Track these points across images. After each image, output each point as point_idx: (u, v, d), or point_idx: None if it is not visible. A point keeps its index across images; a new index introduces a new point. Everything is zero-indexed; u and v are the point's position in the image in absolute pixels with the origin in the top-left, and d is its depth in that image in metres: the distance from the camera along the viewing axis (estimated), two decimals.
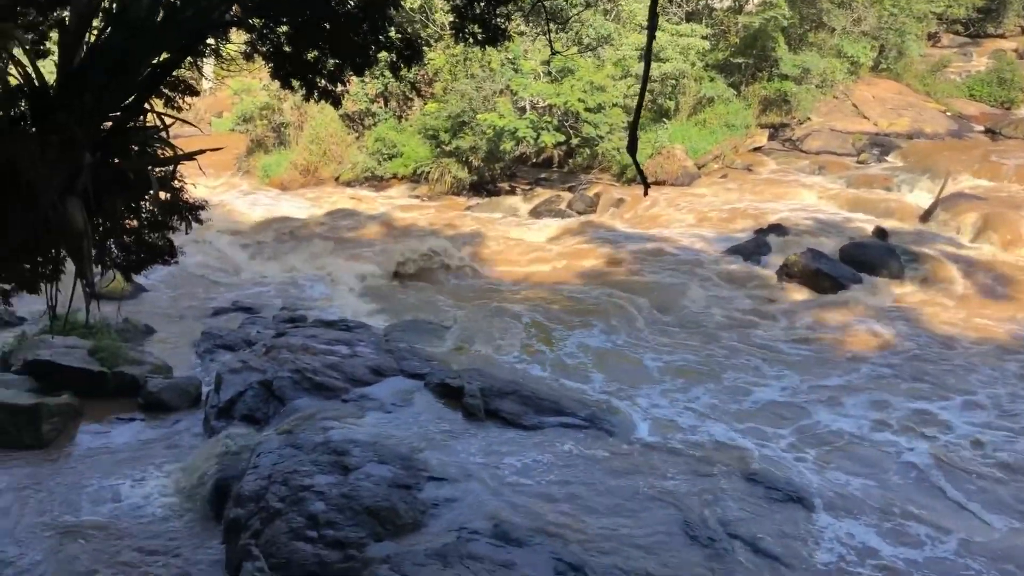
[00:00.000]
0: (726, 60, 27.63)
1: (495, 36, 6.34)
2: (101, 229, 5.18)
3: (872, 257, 16.83)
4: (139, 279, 13.50)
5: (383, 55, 6.03)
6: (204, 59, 6.78)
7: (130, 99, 4.90)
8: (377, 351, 11.05)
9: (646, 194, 6.79)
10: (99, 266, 5.55)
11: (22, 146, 4.27)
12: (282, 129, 29.09)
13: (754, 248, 18.23)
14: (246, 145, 29.61)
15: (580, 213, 22.68)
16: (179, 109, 5.95)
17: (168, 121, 5.24)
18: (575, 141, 24.40)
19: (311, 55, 5.85)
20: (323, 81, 6.03)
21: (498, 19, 6.32)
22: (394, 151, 26.12)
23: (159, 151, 5.21)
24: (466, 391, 9.57)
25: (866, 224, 19.42)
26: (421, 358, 11.26)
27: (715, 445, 9.65)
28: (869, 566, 7.24)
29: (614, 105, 23.99)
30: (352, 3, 5.70)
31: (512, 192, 25.23)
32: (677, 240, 19.49)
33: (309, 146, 27.55)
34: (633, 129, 5.03)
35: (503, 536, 6.61)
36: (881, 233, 18.35)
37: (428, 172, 25.47)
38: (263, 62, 6.05)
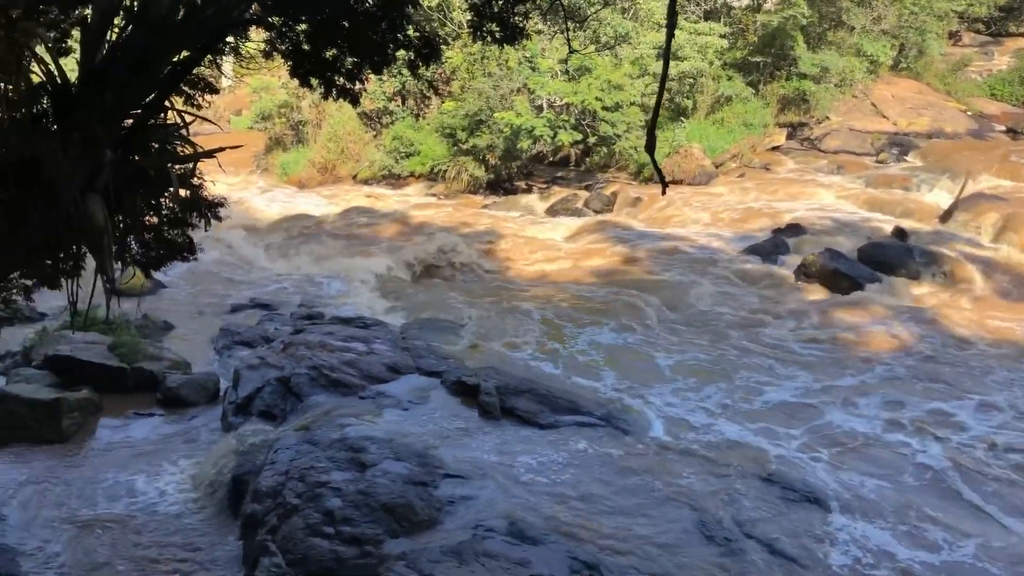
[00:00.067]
0: (744, 59, 27.51)
1: (513, 34, 6.35)
2: (121, 226, 5.22)
3: (891, 257, 16.71)
4: (158, 275, 13.62)
5: (401, 53, 6.05)
6: (224, 57, 6.81)
7: (151, 97, 4.95)
8: (394, 348, 11.09)
9: (664, 193, 6.77)
10: (119, 262, 5.60)
11: (44, 143, 4.32)
12: (300, 127, 29.23)
13: (771, 248, 18.15)
14: (264, 143, 29.78)
15: (597, 212, 22.64)
16: (199, 107, 5.99)
17: (188, 119, 5.28)
18: (592, 140, 24.37)
19: (330, 53, 5.88)
20: (341, 79, 6.06)
21: (516, 17, 6.32)
22: (411, 149, 26.19)
23: (179, 148, 5.25)
24: (482, 389, 9.59)
25: (885, 224, 19.29)
26: (437, 356, 11.29)
27: (730, 445, 9.62)
28: (886, 569, 7.19)
29: (631, 104, 23.95)
30: (371, 2, 5.71)
31: (529, 191, 25.23)
32: (694, 239, 19.43)
33: (327, 144, 27.67)
34: (651, 128, 5.02)
35: (518, 534, 6.61)
36: (900, 233, 18.22)
37: (445, 170, 25.52)
38: (282, 60, 6.08)
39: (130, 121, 4.93)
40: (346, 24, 5.67)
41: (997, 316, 14.63)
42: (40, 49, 4.68)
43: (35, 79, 4.57)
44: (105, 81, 4.55)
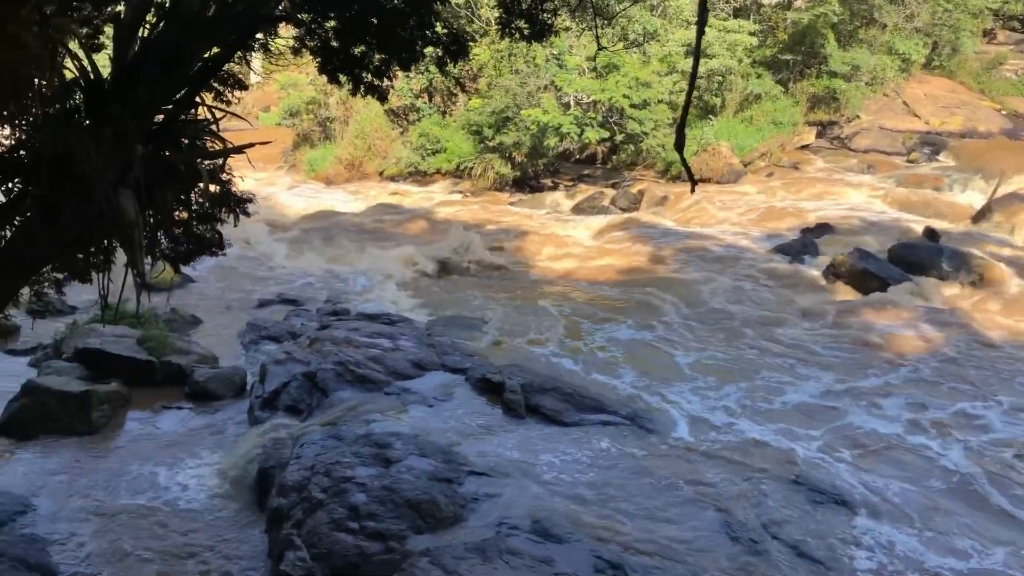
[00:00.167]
0: (774, 57, 27.29)
1: (541, 31, 6.34)
2: (152, 221, 5.27)
3: (921, 258, 16.49)
4: (186, 270, 13.73)
5: (429, 50, 6.06)
6: (253, 53, 6.86)
7: (182, 93, 4.99)
8: (419, 345, 11.11)
9: (693, 191, 6.73)
10: (149, 257, 5.65)
11: (77, 139, 4.36)
12: (328, 124, 29.38)
13: (800, 247, 17.99)
14: (292, 139, 29.96)
15: (623, 210, 22.54)
16: (228, 103, 6.03)
17: (218, 115, 5.32)
18: (619, 137, 24.29)
19: (358, 50, 5.90)
20: (369, 76, 6.08)
21: (545, 14, 6.31)
22: (437, 146, 26.24)
23: (209, 144, 5.29)
24: (507, 387, 9.59)
25: (915, 224, 19.05)
26: (462, 353, 11.30)
27: (755, 445, 9.53)
28: None
29: (659, 101, 23.84)
30: None
31: (555, 188, 25.19)
32: (721, 238, 19.30)
33: (354, 141, 27.80)
34: (681, 126, 4.99)
35: (543, 532, 6.60)
36: (931, 234, 17.98)
37: (471, 168, 25.55)
38: (311, 57, 6.11)
39: (161, 117, 4.97)
40: (375, 21, 5.69)
41: None
42: (73, 45, 4.73)
43: (68, 75, 4.62)
44: (137, 77, 4.59)
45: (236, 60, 6.04)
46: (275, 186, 26.81)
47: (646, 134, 23.61)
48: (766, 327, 14.16)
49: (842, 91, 26.53)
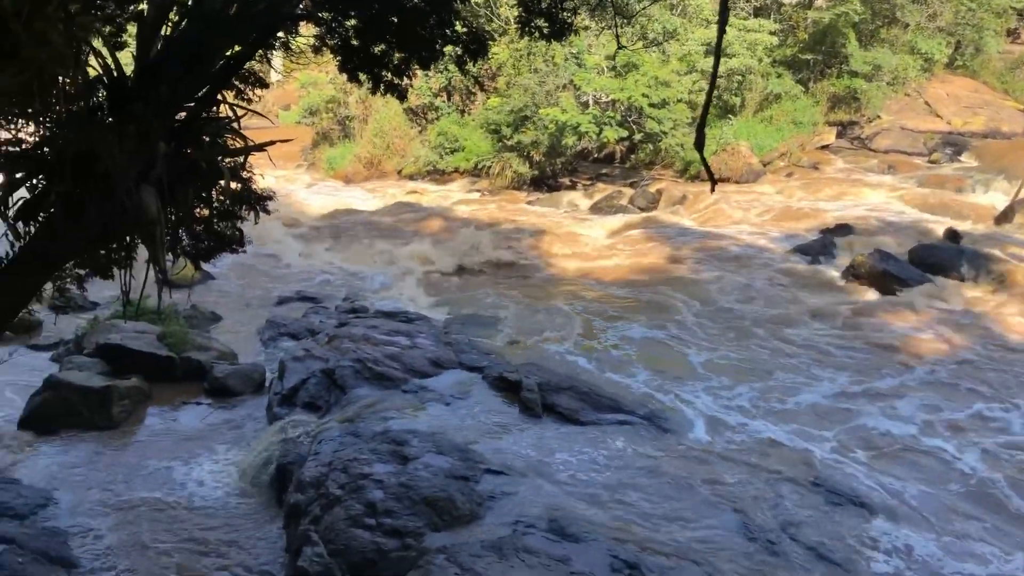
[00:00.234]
0: (794, 56, 27.14)
1: (561, 30, 6.34)
2: (173, 218, 5.32)
3: (942, 259, 16.37)
4: (207, 267, 13.81)
5: (449, 49, 6.08)
6: (274, 52, 6.90)
7: (204, 91, 5.03)
8: (436, 343, 11.14)
9: (713, 190, 6.72)
10: (170, 253, 5.70)
11: (100, 136, 4.41)
12: (347, 122, 29.49)
13: (820, 248, 17.88)
14: (312, 137, 30.09)
15: (641, 209, 22.48)
16: (249, 101, 6.07)
17: (239, 113, 5.35)
18: (638, 137, 24.22)
19: (378, 49, 5.93)
20: (389, 75, 6.10)
21: (564, 13, 6.31)
22: (456, 145, 26.27)
23: (230, 142, 5.33)
24: (524, 385, 9.59)
25: (936, 225, 18.89)
26: (480, 351, 11.32)
27: (771, 445, 9.50)
28: None
29: (678, 101, 23.75)
30: None
31: (573, 187, 25.15)
32: (739, 238, 19.22)
33: (373, 139, 27.88)
34: (701, 125, 4.98)
35: (559, 531, 6.60)
36: (953, 235, 17.83)
37: (489, 167, 25.55)
38: (331, 55, 6.14)
39: (183, 115, 5.01)
40: (395, 20, 5.72)
41: None
42: (97, 43, 4.77)
43: (92, 73, 4.67)
44: (160, 75, 4.63)
45: (257, 58, 6.08)
46: (294, 184, 26.92)
47: (665, 133, 23.54)
48: (781, 327, 14.09)
49: (863, 91, 26.34)
